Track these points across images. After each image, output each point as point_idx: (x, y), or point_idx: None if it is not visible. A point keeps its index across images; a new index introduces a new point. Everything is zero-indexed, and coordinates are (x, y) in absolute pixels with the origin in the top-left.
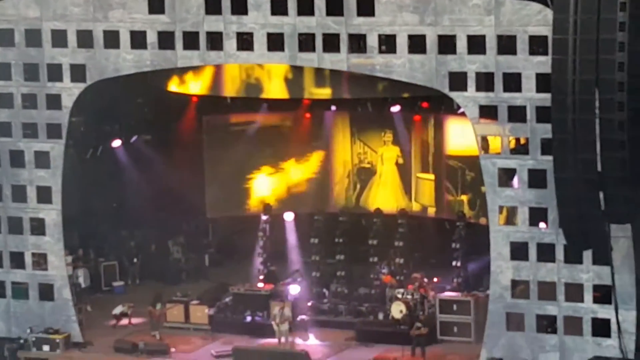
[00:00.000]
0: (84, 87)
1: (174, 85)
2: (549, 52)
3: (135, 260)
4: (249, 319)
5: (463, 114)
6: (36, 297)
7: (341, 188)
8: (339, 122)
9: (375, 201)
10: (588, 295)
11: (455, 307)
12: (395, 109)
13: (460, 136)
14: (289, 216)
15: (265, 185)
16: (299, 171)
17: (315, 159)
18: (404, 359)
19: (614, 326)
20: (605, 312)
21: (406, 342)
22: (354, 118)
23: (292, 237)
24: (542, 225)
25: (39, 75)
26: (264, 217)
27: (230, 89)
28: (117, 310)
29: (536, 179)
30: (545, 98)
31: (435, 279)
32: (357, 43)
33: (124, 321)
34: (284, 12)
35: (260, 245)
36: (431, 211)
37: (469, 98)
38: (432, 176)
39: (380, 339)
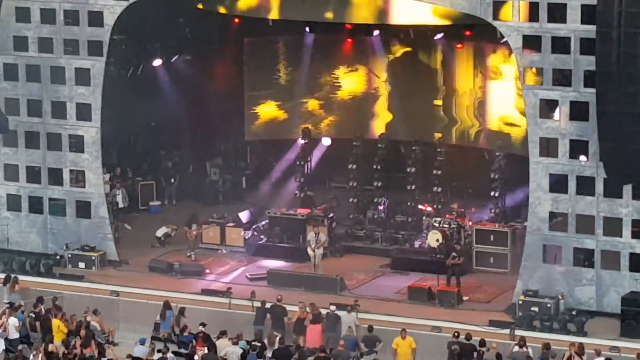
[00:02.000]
0: (126, 5)
1: (216, 6)
2: None
3: (172, 180)
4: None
5: (506, 43)
6: (73, 214)
7: (382, 117)
8: (381, 48)
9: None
10: (627, 230)
11: (492, 237)
12: (439, 36)
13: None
14: (326, 141)
15: (303, 109)
16: (339, 96)
17: (356, 84)
18: (439, 287)
19: None
20: None
21: (441, 271)
22: (397, 44)
23: (329, 162)
24: (582, 157)
25: None
26: (301, 142)
27: (274, 11)
28: (161, 232)
29: (578, 111)
30: (590, 30)
31: (472, 209)
32: None
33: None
34: None
35: (297, 169)
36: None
37: (513, 27)
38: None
39: (416, 267)
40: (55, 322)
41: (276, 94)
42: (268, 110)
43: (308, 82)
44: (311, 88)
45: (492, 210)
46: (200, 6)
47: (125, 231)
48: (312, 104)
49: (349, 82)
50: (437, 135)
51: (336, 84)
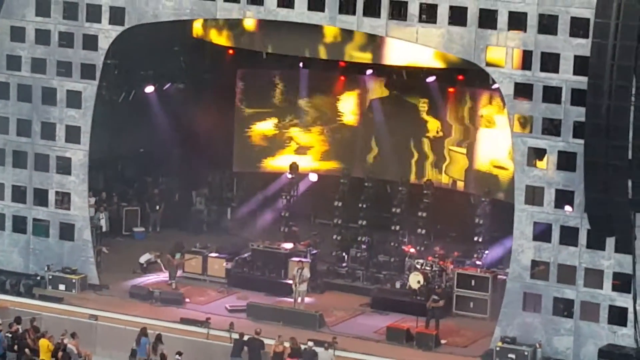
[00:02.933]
0: (121, 30)
1: (210, 36)
2: (589, 35)
3: (157, 207)
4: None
5: (498, 89)
6: (56, 235)
7: (370, 154)
8: (375, 87)
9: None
10: (607, 282)
11: (473, 282)
12: (431, 79)
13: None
14: (313, 177)
15: (293, 144)
16: (328, 133)
17: (346, 122)
18: (418, 329)
19: (630, 315)
20: (623, 300)
21: (421, 313)
22: (389, 84)
23: (315, 198)
24: (567, 208)
25: (78, 15)
26: (289, 176)
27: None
28: (144, 258)
29: (566, 161)
30: (581, 81)
31: (455, 253)
32: (398, 9)
33: (153, 276)
34: None
35: (283, 203)
36: (460, 185)
37: (506, 74)
38: (464, 150)
39: (396, 307)
40: (44, 343)
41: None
42: (257, 142)
43: (298, 115)
44: (301, 120)
45: (475, 255)
46: (197, 34)
47: (108, 256)
48: (301, 136)
49: (340, 117)
50: (426, 177)
51: (326, 119)
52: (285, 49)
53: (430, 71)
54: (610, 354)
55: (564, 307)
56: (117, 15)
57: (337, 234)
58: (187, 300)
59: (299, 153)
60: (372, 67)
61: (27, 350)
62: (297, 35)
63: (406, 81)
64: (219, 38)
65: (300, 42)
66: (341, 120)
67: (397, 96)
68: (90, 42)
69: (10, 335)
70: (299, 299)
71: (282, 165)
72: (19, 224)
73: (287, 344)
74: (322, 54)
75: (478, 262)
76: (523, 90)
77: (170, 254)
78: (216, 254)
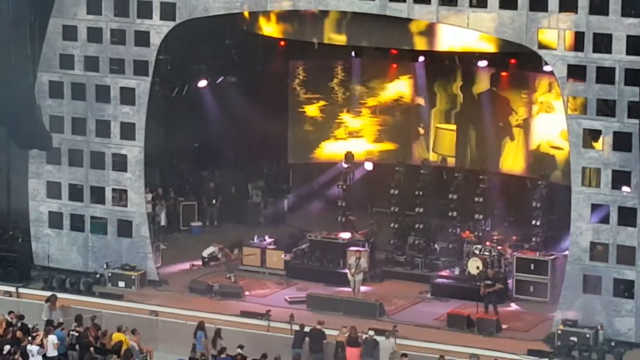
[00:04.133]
0: (172, 25)
1: (262, 28)
2: None
3: (214, 201)
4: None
5: (551, 72)
6: (114, 232)
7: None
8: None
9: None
10: None
11: (532, 266)
12: (483, 63)
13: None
14: (369, 165)
15: (348, 134)
16: (382, 121)
17: (400, 109)
18: (478, 315)
19: None
20: None
21: (481, 299)
22: (441, 70)
23: (371, 187)
24: (625, 188)
25: (129, 12)
26: (344, 166)
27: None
28: (207, 251)
29: (622, 141)
30: (635, 61)
31: (513, 237)
32: None
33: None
34: None
35: (339, 193)
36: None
37: (558, 57)
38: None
39: (456, 294)
40: (119, 336)
41: (320, 116)
42: (312, 132)
43: (352, 104)
44: (356, 109)
45: (534, 239)
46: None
47: (166, 251)
48: (354, 122)
49: (395, 106)
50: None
51: (381, 107)
52: (338, 39)
53: (482, 56)
54: None
55: (624, 288)
56: (168, 11)
57: (394, 222)
58: (247, 293)
59: (353, 137)
60: (424, 54)
61: (91, 348)
62: (352, 24)
63: (459, 67)
64: (270, 29)
65: (354, 32)
66: (394, 107)
67: (451, 82)
68: (142, 39)
69: (76, 335)
70: (357, 289)
71: (337, 153)
72: (77, 223)
73: (345, 334)
74: (372, 42)
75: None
76: (576, 72)
77: (229, 248)
78: (274, 246)
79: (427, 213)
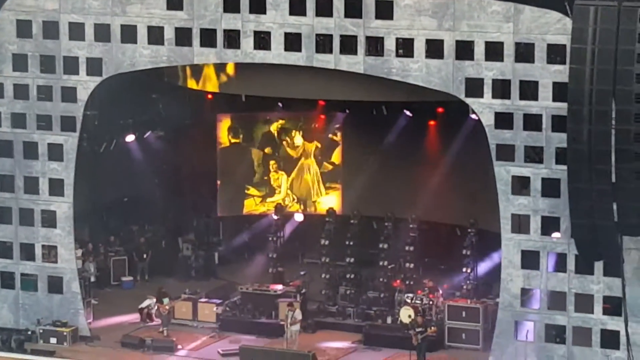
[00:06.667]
0: (99, 80)
1: (188, 82)
2: (566, 61)
3: (145, 256)
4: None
5: (478, 120)
6: (45, 289)
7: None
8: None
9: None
10: (598, 307)
11: (464, 313)
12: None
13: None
14: (299, 217)
15: (278, 186)
16: (311, 171)
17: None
18: None
19: (623, 338)
20: (614, 324)
21: (414, 347)
22: (367, 121)
23: (302, 238)
24: (554, 234)
25: (55, 68)
26: (274, 217)
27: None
28: (145, 303)
29: (550, 188)
30: (561, 107)
31: (445, 285)
32: (375, 46)
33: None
34: (302, 13)
35: (270, 245)
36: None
37: (485, 105)
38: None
39: (388, 343)
40: None
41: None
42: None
43: (280, 158)
44: (284, 164)
45: (464, 287)
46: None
47: (97, 306)
48: (286, 179)
49: (320, 156)
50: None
51: (307, 158)
52: (264, 90)
53: (409, 105)
54: None
55: (556, 334)
56: (94, 66)
57: (325, 273)
58: (179, 346)
59: (283, 195)
60: (349, 105)
61: None
62: (274, 76)
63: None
64: (196, 84)
65: (278, 83)
66: (327, 158)
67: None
68: (69, 94)
69: None
70: (292, 340)
71: (266, 207)
72: (7, 280)
73: None
74: (299, 93)
75: (468, 281)
76: (503, 120)
77: (158, 301)
78: (206, 299)
79: (358, 262)
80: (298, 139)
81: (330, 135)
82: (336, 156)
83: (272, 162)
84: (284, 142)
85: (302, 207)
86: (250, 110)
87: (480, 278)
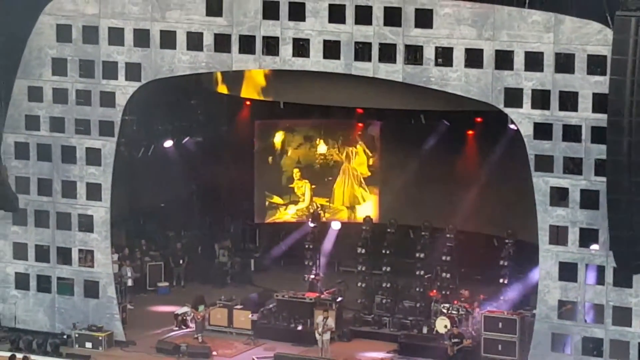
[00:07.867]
0: (138, 86)
1: (227, 88)
2: (607, 73)
3: (181, 261)
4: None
5: (516, 130)
6: (81, 293)
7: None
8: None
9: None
10: (636, 320)
11: (500, 324)
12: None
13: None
14: (336, 225)
15: (302, 194)
16: (348, 180)
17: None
18: None
19: None
20: None
21: (450, 358)
22: (405, 130)
23: (338, 246)
24: (592, 246)
25: (94, 73)
26: (311, 225)
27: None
28: (181, 310)
29: (589, 199)
30: (601, 118)
31: (481, 296)
32: (414, 54)
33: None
34: (342, 21)
35: (306, 252)
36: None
37: (524, 115)
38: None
39: (423, 353)
40: None
41: (286, 175)
42: (279, 192)
43: (316, 165)
44: (321, 170)
45: (501, 297)
46: (222, 89)
47: (133, 311)
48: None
49: (359, 166)
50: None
51: (343, 167)
52: (302, 98)
53: (447, 114)
54: None
55: (593, 347)
56: (133, 71)
57: (361, 281)
58: (214, 353)
59: (321, 202)
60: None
61: None
62: (313, 83)
63: (424, 125)
64: (234, 90)
65: (316, 90)
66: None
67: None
68: (108, 99)
69: None
70: (325, 349)
71: (303, 215)
72: (44, 284)
73: None
74: (337, 101)
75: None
76: (543, 130)
77: (193, 307)
78: (241, 306)
79: (394, 272)
80: (322, 147)
81: (366, 143)
82: (373, 164)
83: (295, 170)
84: (311, 151)
85: (349, 213)
86: (288, 117)
87: (517, 289)
